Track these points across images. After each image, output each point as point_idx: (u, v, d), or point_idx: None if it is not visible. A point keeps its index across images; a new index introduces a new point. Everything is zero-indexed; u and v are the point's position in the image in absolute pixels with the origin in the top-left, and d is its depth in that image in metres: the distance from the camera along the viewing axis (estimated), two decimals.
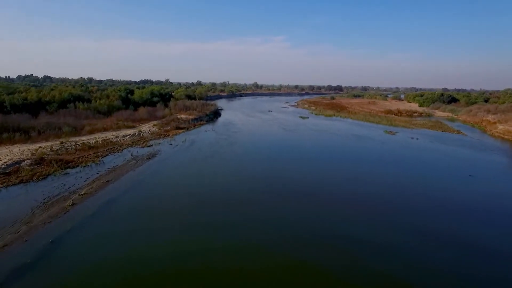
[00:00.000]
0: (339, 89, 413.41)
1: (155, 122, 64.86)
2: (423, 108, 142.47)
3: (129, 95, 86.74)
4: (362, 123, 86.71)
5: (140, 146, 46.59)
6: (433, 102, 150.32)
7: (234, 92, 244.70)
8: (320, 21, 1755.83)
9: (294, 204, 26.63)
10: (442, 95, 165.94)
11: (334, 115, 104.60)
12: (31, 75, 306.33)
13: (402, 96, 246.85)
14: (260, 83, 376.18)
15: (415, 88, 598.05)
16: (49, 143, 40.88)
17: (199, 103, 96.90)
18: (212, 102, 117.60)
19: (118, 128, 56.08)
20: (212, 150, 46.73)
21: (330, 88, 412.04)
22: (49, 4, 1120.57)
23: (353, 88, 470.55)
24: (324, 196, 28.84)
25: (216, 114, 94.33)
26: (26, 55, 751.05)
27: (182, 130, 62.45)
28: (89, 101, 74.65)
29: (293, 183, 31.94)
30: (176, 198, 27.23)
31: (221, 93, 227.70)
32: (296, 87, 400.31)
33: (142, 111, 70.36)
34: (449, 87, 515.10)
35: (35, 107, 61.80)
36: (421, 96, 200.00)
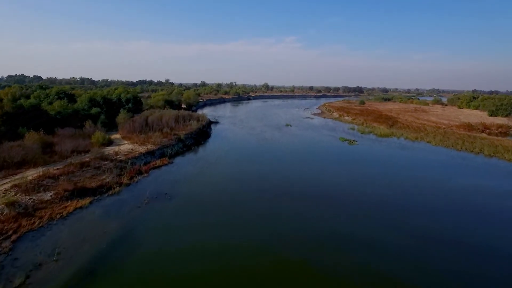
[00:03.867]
0: (358, 90, 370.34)
1: (19, 179, 26.89)
2: (502, 118, 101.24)
3: (47, 104, 49.52)
4: (471, 157, 47.17)
5: None
6: None
7: (241, 95, 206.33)
8: (332, 21, 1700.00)
9: None
10: None
11: (393, 134, 65.03)
12: (22, 74, 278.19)
13: (444, 99, 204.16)
14: (270, 84, 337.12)
15: (436, 89, 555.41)
16: None
17: (175, 116, 58.93)
18: (202, 112, 79.71)
19: None
20: None
21: (348, 89, 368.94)
22: (67, 7, 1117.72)
23: (372, 90, 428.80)
24: None
25: (201, 135, 56.17)
26: (42, 57, 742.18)
27: (82, 203, 24.42)
28: None
29: None
30: None
31: (225, 96, 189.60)
32: (311, 88, 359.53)
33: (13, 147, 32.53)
34: (478, 88, 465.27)
35: None
36: (473, 99, 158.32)
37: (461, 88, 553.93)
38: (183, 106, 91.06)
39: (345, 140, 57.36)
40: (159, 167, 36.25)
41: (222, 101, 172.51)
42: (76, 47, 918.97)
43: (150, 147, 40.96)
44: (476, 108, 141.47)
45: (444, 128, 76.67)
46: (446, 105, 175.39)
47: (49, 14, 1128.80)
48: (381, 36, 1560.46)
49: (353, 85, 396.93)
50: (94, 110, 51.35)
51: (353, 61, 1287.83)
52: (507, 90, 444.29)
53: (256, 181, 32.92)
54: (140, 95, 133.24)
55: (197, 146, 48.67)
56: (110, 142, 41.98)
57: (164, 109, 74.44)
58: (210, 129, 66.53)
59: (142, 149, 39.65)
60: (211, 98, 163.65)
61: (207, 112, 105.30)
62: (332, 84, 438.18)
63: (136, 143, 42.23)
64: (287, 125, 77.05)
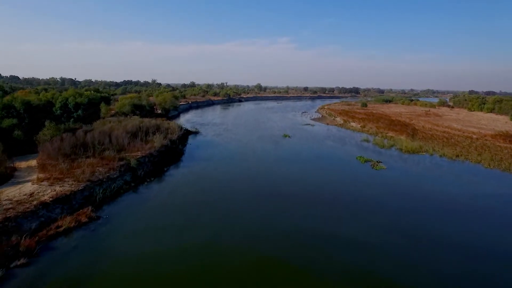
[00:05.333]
0: (354, 91, 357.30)
1: None
2: None
3: None
4: None
5: None
6: None
7: (232, 96, 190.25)
8: (327, 22, 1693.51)
9: None
10: None
11: (422, 149, 50.11)
12: None
13: (447, 100, 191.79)
14: (264, 84, 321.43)
15: (431, 90, 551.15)
16: None
17: (134, 127, 42.95)
18: (185, 118, 63.90)
19: None
20: None
21: (344, 90, 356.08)
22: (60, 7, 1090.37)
23: (368, 90, 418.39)
24: None
25: (167, 157, 40.21)
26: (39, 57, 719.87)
27: None
28: None
29: None
30: None
31: (214, 98, 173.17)
32: (306, 89, 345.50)
33: None
34: (472, 88, 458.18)
35: None
36: (481, 100, 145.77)
37: (455, 89, 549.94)
38: (158, 111, 74.92)
39: (366, 161, 42.09)
40: (67, 232, 20.29)
41: (210, 103, 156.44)
42: (70, 47, 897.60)
43: (69, 186, 24.96)
44: (490, 111, 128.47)
45: (476, 138, 62.28)
46: (453, 107, 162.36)
47: (42, 15, 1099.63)
48: (375, 37, 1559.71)
49: (347, 85, 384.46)
50: (7, 122, 34.98)
51: (347, 61, 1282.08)
52: (500, 91, 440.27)
53: (245, 265, 17.39)
54: (121, 96, 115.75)
55: (156, 177, 32.70)
56: (5, 178, 25.86)
57: (128, 116, 58.42)
58: (186, 143, 50.68)
59: (50, 193, 23.61)
60: (198, 101, 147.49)
61: (191, 117, 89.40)
62: (327, 84, 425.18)
63: (49, 178, 26.16)
64: (285, 135, 61.57)
